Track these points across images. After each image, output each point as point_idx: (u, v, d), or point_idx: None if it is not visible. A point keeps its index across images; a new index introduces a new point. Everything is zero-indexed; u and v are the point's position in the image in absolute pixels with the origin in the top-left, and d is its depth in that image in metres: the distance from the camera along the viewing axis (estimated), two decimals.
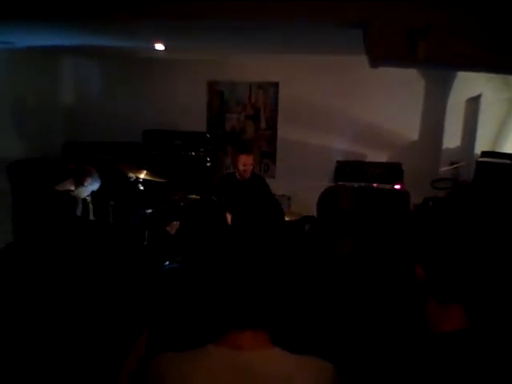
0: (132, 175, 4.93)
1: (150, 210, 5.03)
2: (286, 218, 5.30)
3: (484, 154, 5.64)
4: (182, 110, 7.05)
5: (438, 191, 6.17)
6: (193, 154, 6.87)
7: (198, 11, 3.32)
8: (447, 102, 6.64)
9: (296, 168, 7.03)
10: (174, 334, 1.90)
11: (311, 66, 6.73)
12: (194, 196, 5.21)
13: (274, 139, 7.31)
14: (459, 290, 1.43)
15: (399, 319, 1.86)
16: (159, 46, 5.52)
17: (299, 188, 6.52)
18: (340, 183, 6.39)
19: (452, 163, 6.23)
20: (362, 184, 6.39)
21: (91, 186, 4.44)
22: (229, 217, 4.86)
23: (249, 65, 6.95)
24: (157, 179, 4.99)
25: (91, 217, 4.30)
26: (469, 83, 6.19)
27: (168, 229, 5.10)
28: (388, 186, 6.38)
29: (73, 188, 4.33)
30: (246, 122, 7.35)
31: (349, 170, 6.59)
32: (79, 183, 4.35)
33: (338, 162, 6.74)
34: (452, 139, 6.69)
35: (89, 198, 4.39)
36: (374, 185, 6.41)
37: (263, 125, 7.33)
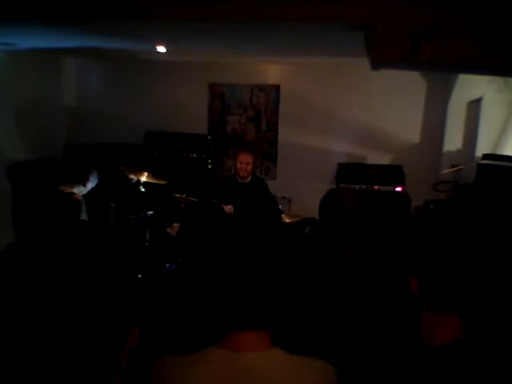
0: (133, 177, 4.93)
1: (150, 212, 5.04)
2: (287, 220, 5.32)
3: (485, 156, 5.64)
4: (184, 112, 7.06)
5: (439, 194, 6.18)
6: (194, 156, 6.87)
7: (201, 14, 3.32)
8: (448, 104, 6.65)
9: (297, 170, 7.03)
10: (175, 336, 1.90)
11: (312, 68, 6.74)
12: (194, 198, 5.22)
13: (275, 141, 7.32)
14: (455, 299, 1.41)
15: (397, 325, 1.86)
16: (161, 49, 5.53)
17: (300, 190, 6.52)
18: (341, 185, 6.40)
19: (453, 166, 6.23)
20: (363, 186, 6.40)
21: (91, 184, 4.46)
22: (226, 208, 4.89)
23: (250, 67, 6.97)
24: (158, 181, 4.99)
25: (84, 217, 4.30)
26: (470, 86, 6.20)
27: (169, 230, 5.11)
28: (389, 189, 6.39)
29: (75, 191, 4.34)
30: (247, 124, 7.36)
31: (350, 172, 6.60)
32: (81, 184, 4.36)
33: (339, 164, 6.75)
34: (453, 142, 6.70)
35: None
36: (375, 187, 6.41)
37: (264, 127, 7.33)
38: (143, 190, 4.92)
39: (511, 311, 2.48)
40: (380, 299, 1.99)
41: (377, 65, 3.34)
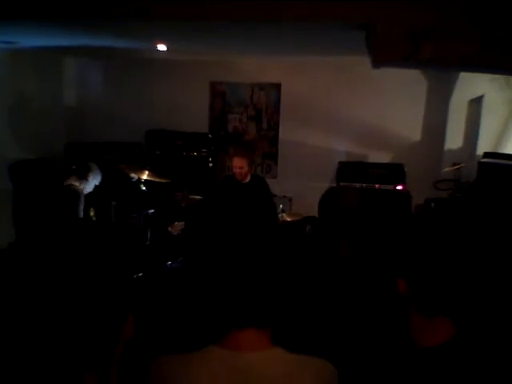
0: (134, 175, 4.93)
1: (152, 211, 5.04)
2: (288, 219, 5.33)
3: (486, 154, 5.63)
4: (184, 111, 7.06)
5: (441, 192, 6.17)
6: (195, 154, 6.87)
7: (201, 14, 3.32)
8: (449, 102, 6.63)
9: (298, 169, 7.03)
10: (175, 335, 1.91)
11: (313, 66, 6.73)
12: (195, 197, 5.22)
13: (275, 140, 7.32)
14: (446, 302, 1.39)
15: (389, 325, 1.85)
16: (162, 47, 5.53)
17: (301, 189, 6.52)
18: (342, 184, 6.39)
19: (454, 164, 6.22)
20: (364, 185, 6.39)
21: (94, 180, 4.47)
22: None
23: (251, 66, 6.96)
24: (159, 180, 4.99)
25: (81, 210, 4.31)
26: (471, 84, 6.18)
27: (170, 229, 5.11)
28: (390, 187, 6.38)
29: (77, 183, 4.35)
30: (248, 122, 7.36)
31: (351, 170, 6.59)
32: (83, 179, 4.37)
33: (339, 162, 6.74)
34: (454, 140, 6.69)
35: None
36: (376, 185, 6.40)
37: (265, 126, 7.33)
38: (144, 188, 4.92)
39: (505, 312, 2.49)
40: (377, 298, 1.99)
41: (378, 63, 3.34)
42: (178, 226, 5.13)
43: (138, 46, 5.73)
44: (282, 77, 7.06)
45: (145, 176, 4.88)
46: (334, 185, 6.32)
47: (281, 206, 5.38)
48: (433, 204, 5.87)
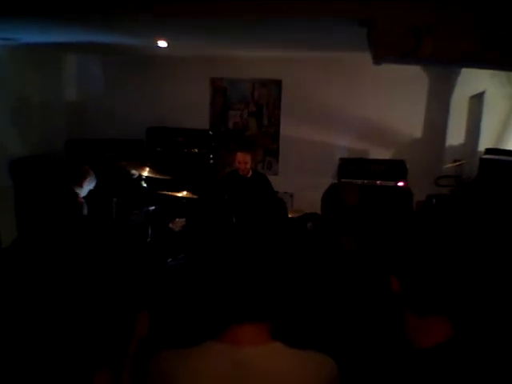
0: (135, 172, 4.93)
1: (153, 207, 5.04)
2: (289, 215, 5.32)
3: (488, 151, 5.61)
4: (185, 107, 7.05)
5: (442, 188, 6.16)
6: (196, 151, 6.87)
7: (202, 9, 3.31)
8: (451, 98, 6.62)
9: (299, 165, 7.02)
10: (175, 331, 1.90)
11: (314, 63, 6.72)
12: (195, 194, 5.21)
13: (276, 136, 7.31)
14: (442, 302, 1.37)
15: (385, 323, 1.85)
16: (162, 43, 5.52)
17: (302, 185, 6.52)
18: (343, 180, 6.38)
19: (455, 160, 6.21)
20: (365, 181, 6.39)
21: (89, 186, 4.45)
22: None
23: (252, 62, 6.94)
24: (160, 176, 4.98)
25: (85, 213, 4.31)
26: (472, 80, 6.16)
27: (171, 226, 5.11)
28: (391, 184, 6.37)
29: (79, 192, 4.33)
30: (249, 119, 7.35)
31: (352, 167, 6.59)
32: (78, 185, 4.35)
33: (341, 159, 6.74)
34: (455, 136, 6.67)
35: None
36: (378, 182, 6.40)
37: (266, 122, 7.32)
38: (145, 185, 4.91)
39: (504, 311, 2.48)
40: (376, 295, 1.99)
41: (379, 59, 3.33)
42: (179, 222, 5.13)
43: (139, 43, 5.72)
44: (282, 73, 7.04)
45: (146, 173, 4.87)
46: (336, 181, 6.31)
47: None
48: (434, 200, 5.86)
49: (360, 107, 6.75)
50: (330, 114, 6.86)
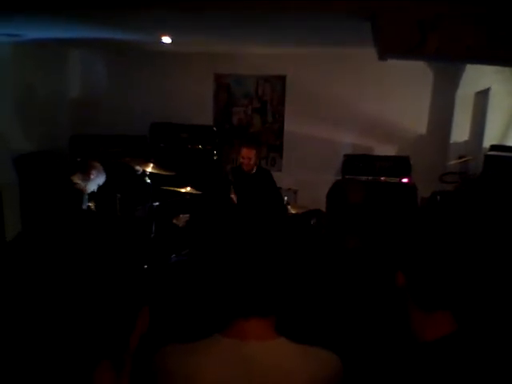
0: (139, 168, 4.93)
1: (156, 203, 5.04)
2: (293, 212, 5.32)
3: (493, 147, 5.60)
4: (189, 104, 7.05)
5: (446, 185, 6.14)
6: (200, 147, 6.86)
7: (205, 4, 3.30)
8: (456, 95, 6.59)
9: (303, 161, 7.01)
10: (181, 325, 1.91)
11: (318, 58, 6.70)
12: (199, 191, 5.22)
13: (280, 133, 7.30)
14: (446, 298, 1.38)
15: (390, 318, 1.85)
16: (166, 39, 5.51)
17: (306, 182, 6.51)
18: (347, 177, 6.37)
19: (460, 157, 6.19)
20: (370, 178, 6.37)
21: (98, 179, 4.45)
22: (234, 197, 4.94)
23: (256, 58, 6.92)
24: (164, 172, 4.99)
25: (94, 209, 4.32)
26: (478, 76, 6.14)
27: (175, 221, 5.12)
28: (396, 180, 6.36)
29: (79, 181, 4.34)
30: (253, 115, 7.34)
31: (356, 163, 6.57)
32: (85, 177, 4.36)
33: (345, 155, 6.72)
34: (460, 133, 6.65)
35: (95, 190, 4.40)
36: (382, 178, 6.38)
37: (270, 118, 7.31)
38: (149, 181, 4.92)
39: (504, 306, 2.48)
40: (381, 291, 1.99)
41: (384, 55, 3.31)
42: (183, 218, 5.14)
43: (143, 39, 5.71)
44: (287, 69, 7.02)
45: (149, 169, 4.87)
46: (340, 178, 6.30)
47: (286, 199, 5.38)
48: (439, 197, 5.84)
49: (364, 103, 6.72)
50: (334, 111, 6.84)
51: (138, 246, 4.82)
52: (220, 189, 5.27)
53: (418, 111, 6.76)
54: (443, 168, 6.37)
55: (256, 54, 6.84)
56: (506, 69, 5.48)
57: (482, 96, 6.24)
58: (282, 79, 7.13)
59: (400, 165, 6.46)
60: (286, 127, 7.25)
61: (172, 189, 5.05)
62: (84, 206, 4.25)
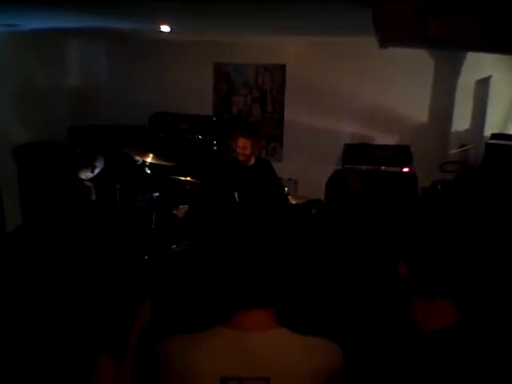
0: (138, 159, 4.92)
1: (157, 194, 5.03)
2: (293, 202, 5.31)
3: (494, 136, 5.58)
4: (188, 93, 7.01)
5: (447, 174, 6.13)
6: (199, 137, 6.84)
7: None
8: (457, 83, 6.56)
9: (303, 151, 6.99)
10: (182, 316, 1.90)
11: (318, 47, 6.66)
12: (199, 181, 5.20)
13: (280, 122, 7.27)
14: (449, 285, 1.39)
15: (391, 308, 1.85)
16: (165, 28, 5.47)
17: (306, 171, 6.50)
18: (348, 166, 6.36)
19: (461, 145, 6.17)
20: (370, 167, 6.36)
21: (98, 170, 4.46)
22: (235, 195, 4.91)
23: (256, 47, 6.88)
24: (163, 163, 4.97)
25: (93, 198, 4.32)
26: (479, 65, 6.10)
27: (175, 212, 5.11)
28: (396, 169, 6.34)
29: (85, 177, 4.33)
30: (253, 104, 7.31)
31: (356, 152, 6.55)
32: (89, 171, 4.35)
33: (345, 144, 6.70)
34: (461, 121, 6.63)
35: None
36: (382, 168, 6.37)
37: (270, 108, 7.28)
38: (149, 171, 4.90)
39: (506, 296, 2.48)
40: (382, 280, 1.98)
41: (384, 43, 3.29)
42: (183, 209, 5.13)
43: (142, 28, 5.67)
44: (286, 58, 6.99)
45: (149, 159, 4.85)
46: (340, 167, 6.29)
47: (286, 189, 5.36)
48: (439, 186, 5.84)
49: (365, 92, 6.69)
50: (334, 99, 6.81)
51: (138, 236, 4.82)
52: (218, 179, 5.23)
53: (418, 100, 6.73)
54: (444, 157, 6.36)
55: (256, 42, 6.79)
56: (507, 57, 5.45)
57: (483, 84, 6.21)
58: (281, 68, 7.09)
59: (400, 154, 6.45)
60: (286, 117, 7.22)
61: (173, 178, 5.03)
62: (93, 197, 4.25)
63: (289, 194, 5.36)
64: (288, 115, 7.18)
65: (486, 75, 6.05)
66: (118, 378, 1.32)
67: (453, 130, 6.68)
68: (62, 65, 6.97)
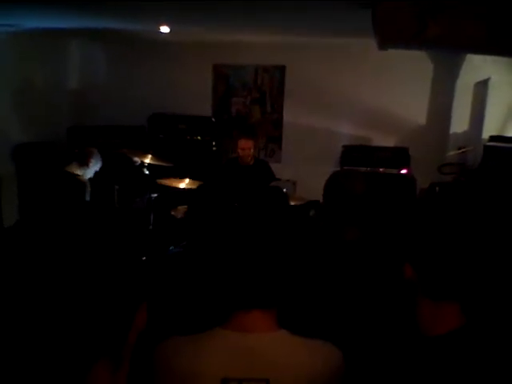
0: (137, 159, 4.92)
1: (155, 195, 5.02)
2: (292, 203, 5.30)
3: (492, 138, 5.58)
4: (188, 94, 7.00)
5: (445, 176, 6.13)
6: (198, 138, 6.83)
7: None
8: (455, 85, 6.57)
9: (302, 152, 6.99)
10: (182, 318, 1.90)
11: (318, 49, 6.66)
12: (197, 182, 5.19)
13: (279, 123, 7.27)
14: (454, 287, 1.37)
15: (395, 311, 1.84)
16: (164, 29, 5.47)
17: (305, 173, 6.48)
18: (346, 168, 6.35)
19: (459, 148, 6.17)
20: (368, 169, 6.36)
21: (95, 166, 4.45)
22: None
23: (255, 48, 6.88)
24: (162, 163, 4.96)
25: (88, 198, 4.32)
26: (477, 67, 6.10)
27: (174, 213, 5.10)
28: (394, 171, 6.34)
29: (79, 172, 4.33)
30: (252, 106, 7.30)
31: (355, 154, 6.55)
32: (84, 165, 4.36)
33: (343, 146, 6.70)
34: (460, 123, 6.63)
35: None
36: (381, 169, 6.37)
37: (269, 109, 7.28)
38: (147, 172, 4.90)
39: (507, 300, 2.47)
40: (383, 283, 1.98)
41: (384, 43, 3.29)
42: (182, 209, 5.12)
43: (141, 28, 5.67)
44: (286, 59, 6.98)
45: (148, 160, 4.85)
46: (338, 169, 6.28)
47: (284, 190, 5.35)
48: (437, 188, 5.83)
49: (364, 94, 6.69)
50: (333, 101, 6.81)
51: (136, 237, 4.81)
52: (217, 180, 5.24)
53: (417, 102, 6.73)
54: (442, 159, 6.36)
55: (255, 43, 6.79)
56: (506, 59, 5.45)
57: (482, 86, 6.21)
58: (281, 69, 7.09)
59: (399, 156, 6.45)
60: (285, 118, 7.21)
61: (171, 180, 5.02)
62: (87, 198, 4.25)
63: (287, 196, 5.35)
64: (287, 116, 7.18)
65: (485, 77, 6.06)
66: None
67: (451, 132, 6.69)
68: (61, 65, 6.97)
